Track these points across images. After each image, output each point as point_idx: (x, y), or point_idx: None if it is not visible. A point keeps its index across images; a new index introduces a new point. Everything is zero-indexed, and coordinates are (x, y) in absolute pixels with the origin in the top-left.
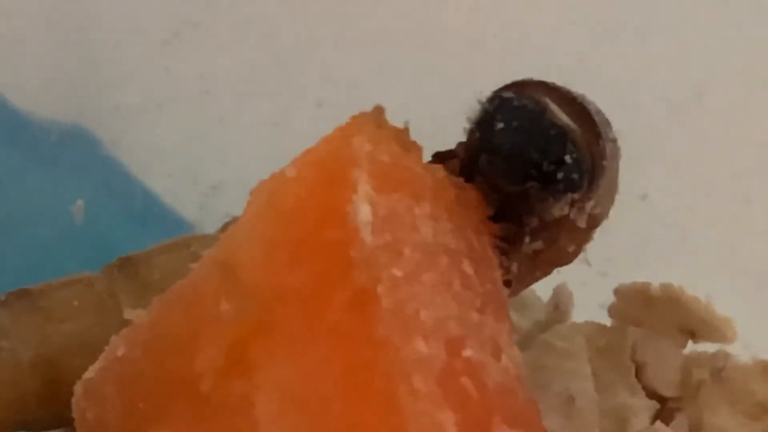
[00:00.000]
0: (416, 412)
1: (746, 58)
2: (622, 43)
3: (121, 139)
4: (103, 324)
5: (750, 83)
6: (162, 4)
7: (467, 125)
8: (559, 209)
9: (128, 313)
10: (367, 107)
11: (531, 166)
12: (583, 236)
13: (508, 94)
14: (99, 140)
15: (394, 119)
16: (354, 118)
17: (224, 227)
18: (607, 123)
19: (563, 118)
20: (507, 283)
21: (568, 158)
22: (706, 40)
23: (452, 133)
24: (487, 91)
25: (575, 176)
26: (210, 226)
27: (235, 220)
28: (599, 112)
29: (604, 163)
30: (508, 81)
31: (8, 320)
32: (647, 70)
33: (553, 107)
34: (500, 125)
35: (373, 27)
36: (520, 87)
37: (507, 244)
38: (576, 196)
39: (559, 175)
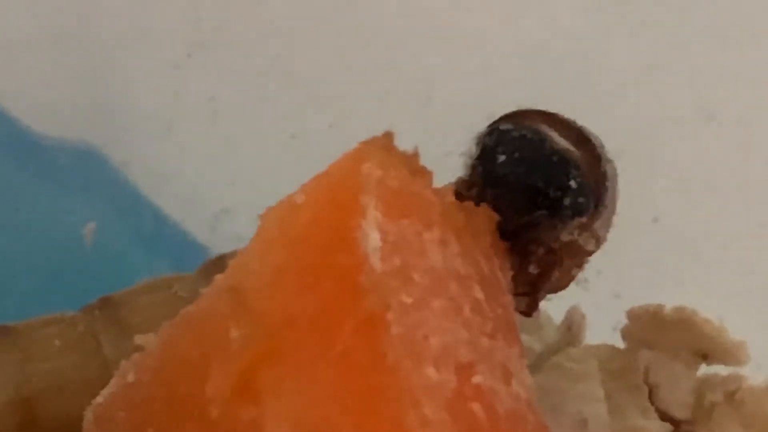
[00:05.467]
0: None
1: (758, 78)
2: (633, 64)
3: (132, 160)
4: (83, 365)
5: (762, 103)
6: (172, 26)
7: (465, 161)
8: (567, 234)
9: (139, 338)
10: (378, 128)
11: (537, 194)
12: (584, 258)
13: (506, 126)
14: (109, 161)
15: (407, 141)
16: (363, 143)
17: (204, 266)
18: (603, 144)
19: (563, 143)
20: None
21: (573, 183)
22: (718, 60)
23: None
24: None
25: (582, 200)
26: (221, 249)
27: (218, 260)
28: (595, 135)
29: (607, 184)
30: (521, 105)
31: None
32: (658, 91)
33: (552, 134)
34: (502, 158)
35: (386, 48)
36: (516, 117)
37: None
38: (584, 219)
39: (566, 201)
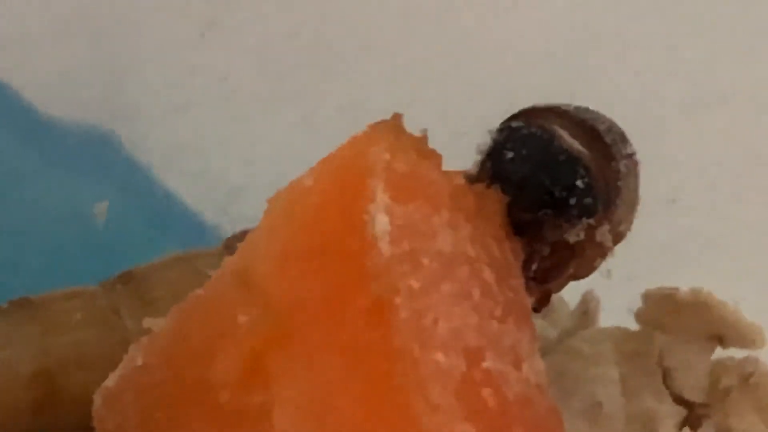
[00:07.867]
0: (434, 425)
1: None
2: (649, 46)
3: (143, 140)
4: (104, 339)
5: None
6: (185, 5)
7: (477, 157)
8: (575, 235)
9: (147, 322)
10: (393, 109)
11: (543, 193)
12: (608, 250)
13: (516, 124)
14: (120, 141)
15: (420, 124)
16: (371, 126)
17: (227, 242)
18: (622, 138)
19: (572, 143)
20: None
21: (579, 183)
22: (733, 42)
23: (476, 139)
24: (511, 98)
25: (588, 201)
26: (233, 230)
27: (241, 235)
28: (611, 129)
29: (619, 183)
30: (536, 87)
31: (8, 329)
32: (674, 73)
33: (562, 133)
34: (510, 155)
35: (398, 30)
36: (528, 115)
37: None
38: (591, 221)
39: (572, 201)
